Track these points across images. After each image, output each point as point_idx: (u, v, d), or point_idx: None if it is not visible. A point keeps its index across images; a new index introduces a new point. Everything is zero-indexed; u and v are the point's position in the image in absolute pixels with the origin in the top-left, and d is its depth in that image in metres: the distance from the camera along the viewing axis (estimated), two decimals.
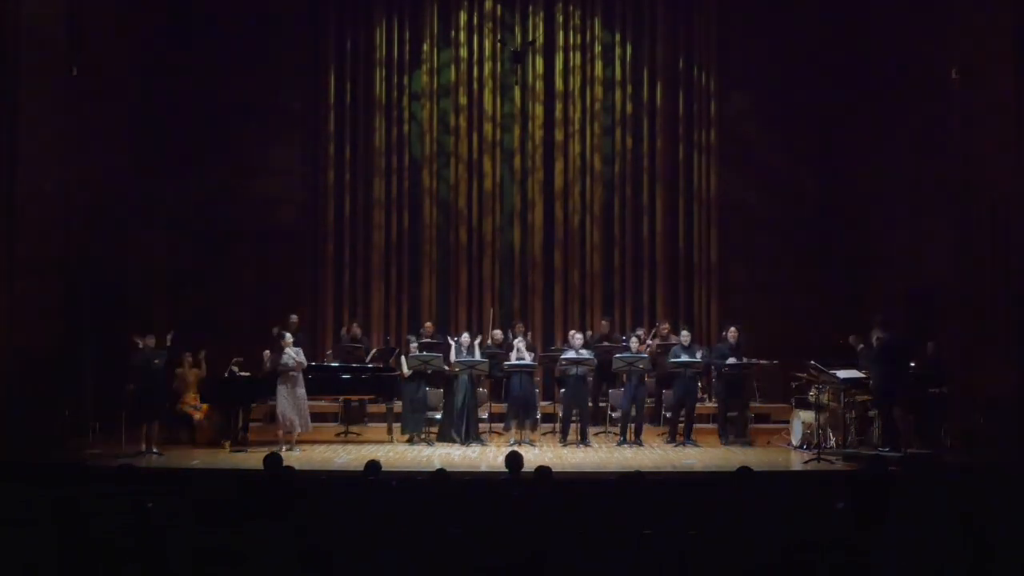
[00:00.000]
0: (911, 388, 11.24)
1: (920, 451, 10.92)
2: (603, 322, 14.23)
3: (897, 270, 13.91)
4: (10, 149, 11.05)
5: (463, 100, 15.64)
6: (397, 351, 14.22)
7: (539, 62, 15.67)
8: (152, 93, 14.34)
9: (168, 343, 11.79)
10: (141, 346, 11.30)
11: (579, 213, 15.63)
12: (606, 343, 13.09)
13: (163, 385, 11.66)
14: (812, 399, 11.60)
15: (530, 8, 15.68)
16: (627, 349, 12.28)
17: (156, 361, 11.35)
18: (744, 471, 7.51)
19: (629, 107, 15.66)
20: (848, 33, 15.00)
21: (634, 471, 7.66)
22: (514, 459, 7.57)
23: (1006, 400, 11.14)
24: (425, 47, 15.67)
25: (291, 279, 15.30)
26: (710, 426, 13.36)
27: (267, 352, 12.04)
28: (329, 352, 14.23)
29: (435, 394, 12.64)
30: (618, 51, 15.72)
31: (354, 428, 13.09)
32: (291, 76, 15.53)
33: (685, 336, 12.51)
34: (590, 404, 12.63)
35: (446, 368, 12.42)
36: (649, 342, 13.16)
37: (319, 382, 12.49)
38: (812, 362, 11.48)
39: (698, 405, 13.51)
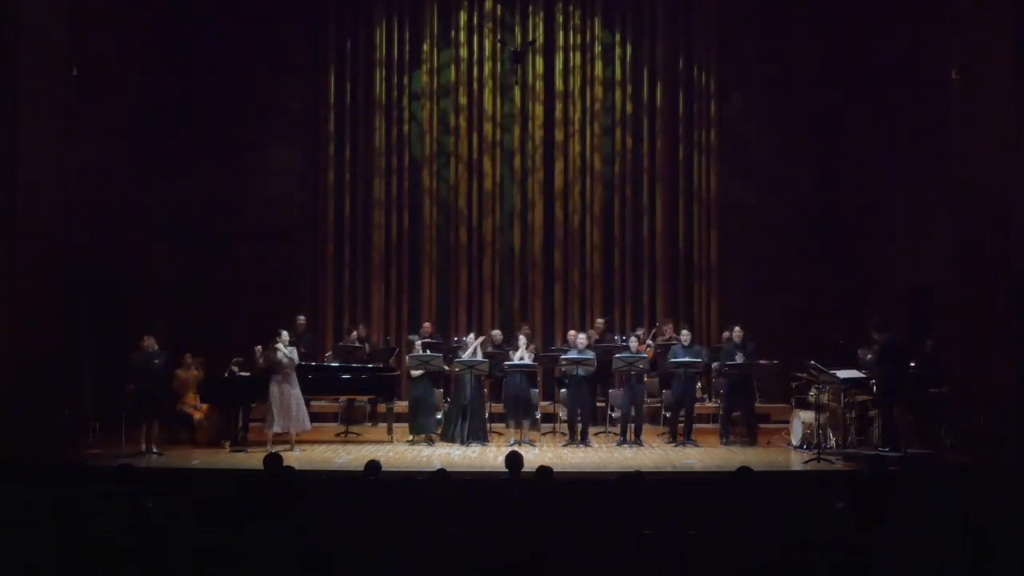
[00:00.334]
0: (911, 388, 11.24)
1: (920, 451, 10.92)
2: (599, 321, 14.24)
3: (897, 270, 13.91)
4: (10, 149, 11.05)
5: (463, 100, 15.64)
6: (397, 351, 14.24)
7: (539, 62, 15.67)
8: (152, 93, 14.34)
9: (168, 343, 11.78)
10: (146, 347, 11.31)
11: (579, 213, 15.63)
12: (604, 343, 13.08)
13: (163, 385, 11.66)
14: (812, 399, 11.60)
15: (530, 8, 15.69)
16: (625, 349, 12.29)
17: (156, 361, 11.35)
18: (744, 471, 7.51)
19: (629, 107, 15.67)
20: (848, 33, 15.00)
21: (634, 471, 7.66)
22: (514, 459, 7.57)
23: (1006, 400, 11.14)
24: (425, 47, 15.67)
25: (291, 279, 15.31)
26: (710, 426, 13.38)
27: (259, 348, 11.96)
28: (329, 353, 14.22)
29: (437, 394, 12.66)
30: (618, 51, 15.72)
31: (354, 428, 13.09)
32: (291, 76, 15.54)
33: (685, 336, 12.51)
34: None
35: (445, 368, 12.43)
36: (649, 342, 13.17)
37: (319, 382, 12.50)
38: (812, 362, 11.47)
39: (698, 405, 13.54)
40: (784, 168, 15.40)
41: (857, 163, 14.86)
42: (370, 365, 13.02)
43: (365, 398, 13.49)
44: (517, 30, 15.71)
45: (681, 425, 12.18)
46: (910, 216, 13.62)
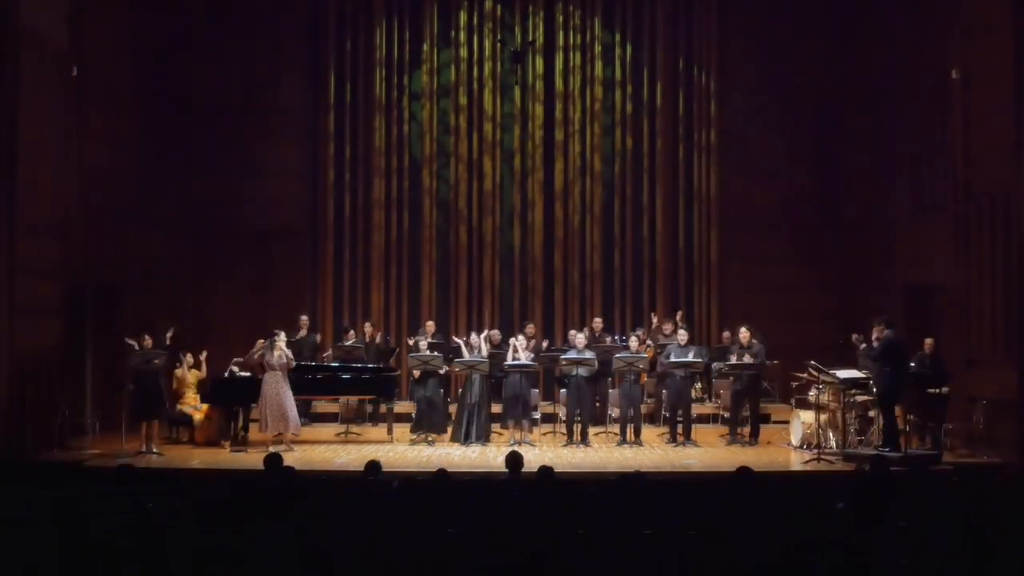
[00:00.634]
0: (911, 388, 11.24)
1: (920, 451, 10.92)
2: (596, 320, 14.24)
3: (897, 270, 13.91)
4: (10, 149, 11.05)
5: (463, 100, 15.64)
6: (397, 351, 14.24)
7: (539, 62, 15.68)
8: (152, 93, 14.34)
9: (167, 342, 11.78)
10: (138, 347, 11.29)
11: (579, 213, 15.64)
12: (601, 344, 13.08)
13: (162, 385, 11.65)
14: (812, 399, 11.59)
15: (530, 8, 15.69)
16: (624, 349, 12.28)
17: (155, 361, 11.34)
18: (744, 471, 7.51)
19: (629, 107, 15.67)
20: (848, 33, 15.01)
21: (634, 471, 7.67)
22: (514, 459, 7.57)
23: (1006, 400, 11.14)
24: (425, 47, 15.67)
25: (291, 279, 15.31)
26: (710, 426, 13.39)
27: (261, 341, 11.78)
28: (328, 353, 14.22)
29: (442, 394, 12.70)
30: (618, 51, 15.73)
31: (354, 428, 13.09)
32: (291, 76, 15.54)
33: (682, 336, 12.50)
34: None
35: (442, 369, 12.40)
36: (649, 343, 13.16)
37: (319, 382, 12.49)
38: (812, 362, 11.47)
39: (698, 405, 13.55)
40: (784, 168, 15.39)
41: (857, 163, 14.86)
42: (370, 365, 13.01)
43: (365, 398, 13.48)
44: (517, 30, 15.71)
45: (680, 425, 12.18)
46: (910, 216, 13.62)
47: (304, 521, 6.33)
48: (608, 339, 13.45)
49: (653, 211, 15.59)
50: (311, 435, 12.81)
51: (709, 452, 11.63)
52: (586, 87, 15.69)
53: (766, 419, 13.16)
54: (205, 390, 12.11)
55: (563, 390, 12.51)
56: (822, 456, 10.71)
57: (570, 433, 12.11)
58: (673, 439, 12.12)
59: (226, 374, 12.25)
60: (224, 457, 11.15)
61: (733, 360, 12.12)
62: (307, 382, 12.26)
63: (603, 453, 11.62)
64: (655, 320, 14.11)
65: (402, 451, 11.70)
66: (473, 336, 12.85)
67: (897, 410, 11.00)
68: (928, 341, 11.75)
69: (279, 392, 11.40)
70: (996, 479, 10.01)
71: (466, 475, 8.97)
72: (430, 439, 12.14)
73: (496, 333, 13.55)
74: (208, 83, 15.13)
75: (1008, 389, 11.14)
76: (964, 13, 12.16)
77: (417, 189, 15.64)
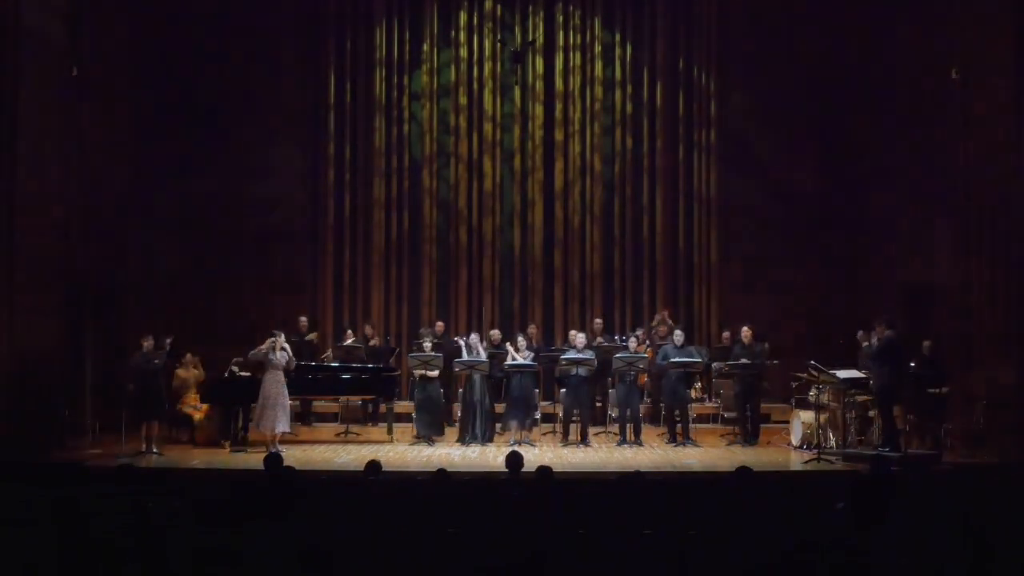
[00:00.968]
0: (911, 388, 11.24)
1: (920, 451, 10.92)
2: (596, 321, 14.24)
3: (897, 270, 13.91)
4: (10, 149, 11.05)
5: (463, 100, 15.63)
6: (397, 351, 14.23)
7: (539, 62, 15.67)
8: (152, 93, 14.34)
9: (167, 347, 11.77)
10: (146, 347, 11.31)
11: (579, 213, 15.63)
12: (603, 344, 13.08)
13: (163, 385, 11.65)
14: (812, 399, 11.60)
15: (530, 8, 15.68)
16: (625, 349, 12.28)
17: (156, 361, 11.35)
18: (744, 471, 7.51)
19: (629, 107, 15.67)
20: (848, 33, 15.00)
21: (634, 471, 7.67)
22: (514, 459, 7.57)
23: (1006, 400, 11.14)
24: (425, 47, 15.67)
25: (291, 279, 15.30)
26: (710, 426, 13.39)
27: (271, 339, 11.66)
28: (328, 353, 14.22)
29: (442, 394, 12.69)
30: (618, 51, 15.72)
31: (354, 428, 13.09)
32: (291, 76, 15.53)
33: (679, 336, 12.50)
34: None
35: (433, 372, 12.37)
36: (648, 343, 13.15)
37: (319, 382, 12.49)
38: (812, 362, 11.48)
39: (698, 405, 13.55)
40: (784, 168, 15.38)
41: (857, 163, 14.86)
42: (370, 365, 13.01)
43: (365, 398, 13.48)
44: (517, 30, 15.71)
45: (679, 425, 12.18)
46: (910, 215, 13.62)
47: (304, 521, 6.33)
48: (616, 339, 13.45)
49: (653, 211, 15.58)
50: (311, 435, 12.81)
51: (709, 452, 11.64)
52: (586, 87, 15.69)
53: (766, 419, 13.16)
54: (205, 390, 12.11)
55: (563, 390, 12.50)
56: (822, 456, 10.71)
57: (566, 433, 12.12)
58: (672, 439, 12.12)
59: (226, 374, 12.24)
60: (224, 457, 11.15)
61: (737, 360, 12.12)
62: (307, 382, 12.28)
63: (603, 453, 11.62)
64: (665, 325, 14.02)
65: (402, 451, 11.70)
66: (472, 336, 12.83)
67: (897, 410, 11.01)
68: (927, 341, 11.75)
69: (280, 392, 11.42)
70: (996, 479, 10.00)
71: (466, 475, 8.97)
72: (432, 439, 12.14)
73: (496, 333, 13.55)
74: (208, 83, 15.12)
75: (1008, 389, 11.14)
76: (964, 13, 12.16)
77: (417, 189, 15.63)
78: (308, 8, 15.61)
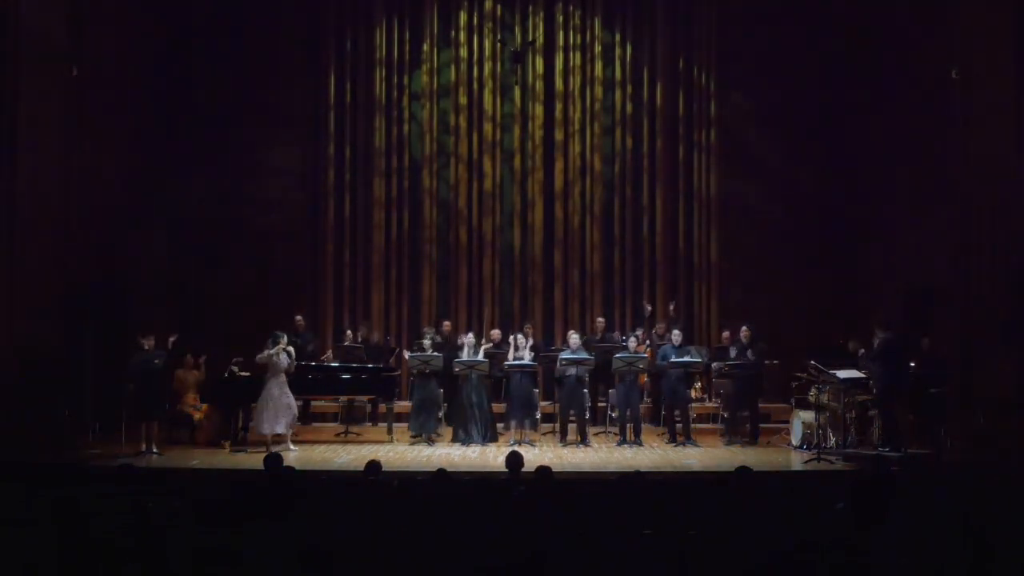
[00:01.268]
0: (911, 388, 11.24)
1: (920, 451, 10.92)
2: (599, 320, 14.24)
3: (897, 270, 13.91)
4: (10, 149, 11.05)
5: (463, 100, 15.63)
6: (397, 351, 14.23)
7: (539, 62, 15.67)
8: (152, 93, 14.34)
9: (170, 346, 11.77)
10: (146, 347, 11.31)
11: (579, 213, 15.63)
12: (604, 343, 13.08)
13: (163, 385, 11.65)
14: (812, 399, 11.60)
15: (530, 8, 15.68)
16: (625, 348, 12.28)
17: (156, 361, 11.35)
18: (744, 471, 7.51)
19: (629, 107, 15.66)
20: (848, 33, 15.00)
21: (634, 471, 7.66)
22: (514, 459, 7.57)
23: (1006, 400, 11.14)
24: (425, 47, 15.66)
25: (291, 279, 15.31)
26: (710, 426, 13.38)
27: (281, 344, 11.65)
28: (328, 353, 14.21)
29: (439, 394, 12.68)
30: (618, 51, 15.72)
31: (354, 428, 13.09)
32: (291, 76, 15.53)
33: (676, 336, 12.50)
34: (589, 404, 12.65)
35: (427, 370, 12.37)
36: (648, 343, 13.15)
37: (319, 382, 12.49)
38: (812, 362, 11.48)
39: (698, 405, 13.55)
40: (784, 168, 15.39)
41: (857, 163, 14.86)
42: (370, 365, 13.01)
43: (365, 398, 13.49)
44: (517, 30, 15.71)
45: (679, 425, 12.18)
46: (910, 216, 13.62)
47: (304, 521, 6.32)
48: (616, 336, 13.45)
49: (653, 211, 15.58)
50: (311, 435, 12.81)
51: (709, 452, 11.63)
52: (586, 87, 15.68)
53: (765, 419, 13.16)
54: (205, 390, 12.11)
55: (558, 391, 12.50)
56: (822, 456, 10.70)
57: (564, 433, 12.12)
58: (672, 439, 12.12)
59: (226, 374, 12.24)
60: (224, 457, 11.15)
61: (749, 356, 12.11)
62: (307, 382, 12.27)
63: (603, 453, 11.62)
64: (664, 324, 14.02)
65: (402, 451, 11.70)
66: (471, 336, 12.83)
67: (897, 410, 11.01)
68: (926, 341, 11.75)
69: (282, 393, 11.44)
70: (996, 479, 10.00)
71: (466, 475, 8.97)
72: (432, 439, 12.15)
73: (496, 332, 13.56)
74: (208, 83, 15.12)
75: (1008, 389, 11.14)
76: (964, 13, 12.17)
77: (417, 189, 15.63)
78: (308, 8, 15.62)
